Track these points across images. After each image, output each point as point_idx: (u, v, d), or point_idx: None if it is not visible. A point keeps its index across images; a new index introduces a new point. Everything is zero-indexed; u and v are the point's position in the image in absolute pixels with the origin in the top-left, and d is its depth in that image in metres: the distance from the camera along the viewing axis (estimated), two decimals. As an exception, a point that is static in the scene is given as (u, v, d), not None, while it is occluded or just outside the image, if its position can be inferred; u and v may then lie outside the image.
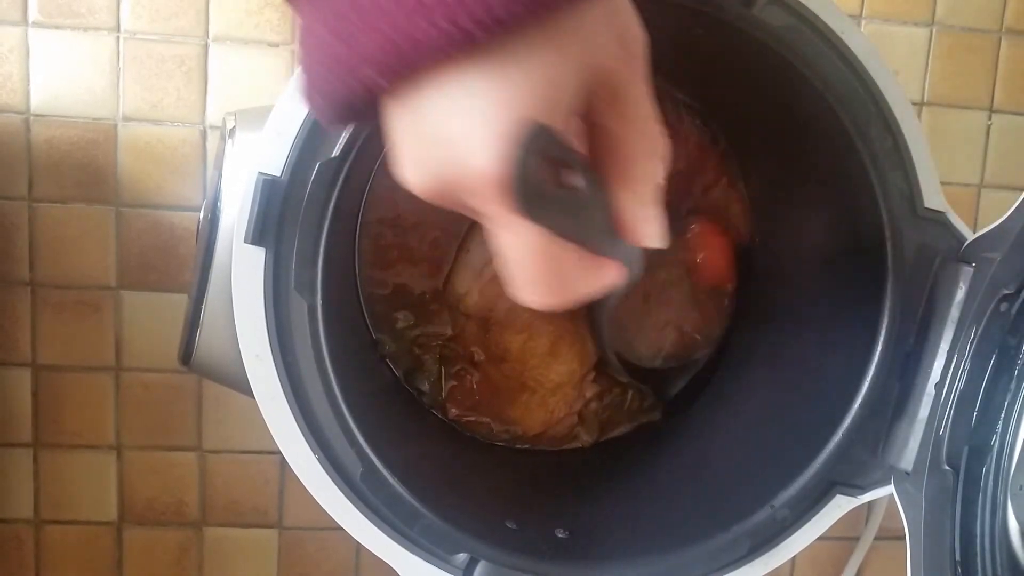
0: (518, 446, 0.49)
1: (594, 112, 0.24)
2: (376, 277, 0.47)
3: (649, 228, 0.25)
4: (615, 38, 0.23)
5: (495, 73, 0.21)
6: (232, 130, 0.38)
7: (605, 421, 0.50)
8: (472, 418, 0.48)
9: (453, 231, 0.47)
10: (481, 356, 0.48)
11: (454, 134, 0.22)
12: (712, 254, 0.48)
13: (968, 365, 0.35)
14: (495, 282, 0.46)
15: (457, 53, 0.20)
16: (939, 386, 0.36)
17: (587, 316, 0.48)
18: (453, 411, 0.48)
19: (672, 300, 0.49)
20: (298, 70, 0.24)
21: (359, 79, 0.21)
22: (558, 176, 0.23)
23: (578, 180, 0.23)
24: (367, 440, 0.35)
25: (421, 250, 0.47)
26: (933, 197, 0.37)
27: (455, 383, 0.48)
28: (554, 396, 0.49)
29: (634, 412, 0.50)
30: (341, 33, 0.21)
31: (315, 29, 0.22)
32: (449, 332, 0.48)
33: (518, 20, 0.20)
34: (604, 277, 0.25)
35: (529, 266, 0.23)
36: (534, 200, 0.22)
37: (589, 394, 0.49)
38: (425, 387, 0.48)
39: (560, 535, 0.39)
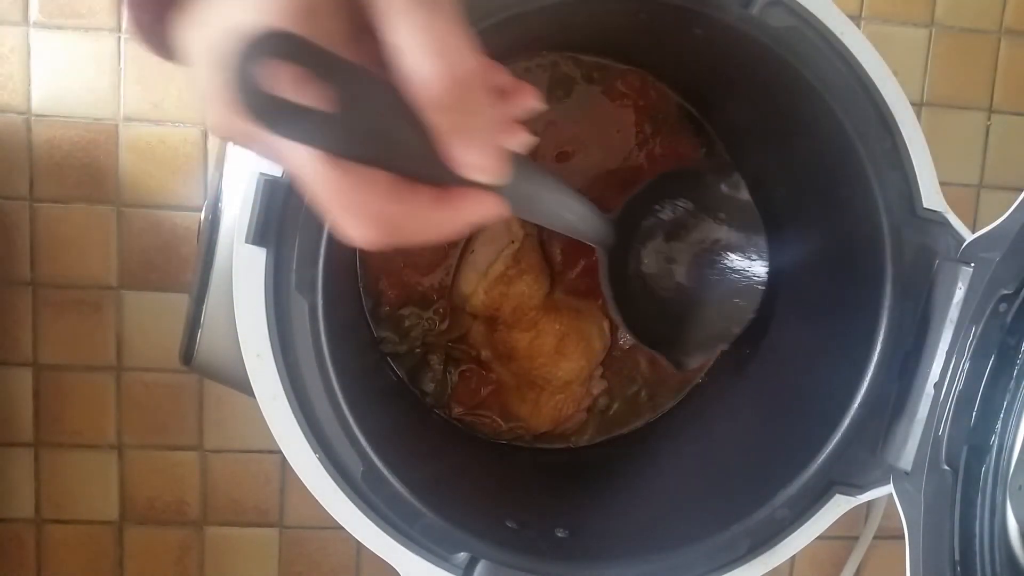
0: (521, 444, 0.49)
1: (364, 14, 0.21)
2: (379, 278, 0.47)
3: (469, 156, 0.22)
4: None
5: None
6: (233, 130, 0.38)
7: (612, 418, 0.50)
8: (477, 416, 0.48)
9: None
10: (488, 355, 0.48)
11: (206, 49, 0.21)
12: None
13: (967, 365, 0.35)
14: (501, 282, 0.46)
15: None
16: (938, 386, 0.36)
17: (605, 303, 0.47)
18: (458, 409, 0.48)
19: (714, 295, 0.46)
20: None
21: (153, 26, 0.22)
22: (309, 86, 0.20)
23: (337, 88, 0.20)
24: (367, 439, 0.35)
25: (424, 251, 0.47)
26: (932, 197, 0.37)
27: (461, 382, 0.48)
28: (562, 393, 0.49)
29: (641, 407, 0.50)
30: None
31: None
32: (455, 332, 0.48)
33: None
34: (459, 209, 0.23)
35: (323, 192, 0.21)
36: (269, 109, 0.20)
37: (597, 391, 0.50)
38: (430, 387, 0.48)
39: (560, 534, 0.39)
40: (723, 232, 0.45)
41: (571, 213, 0.36)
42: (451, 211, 0.23)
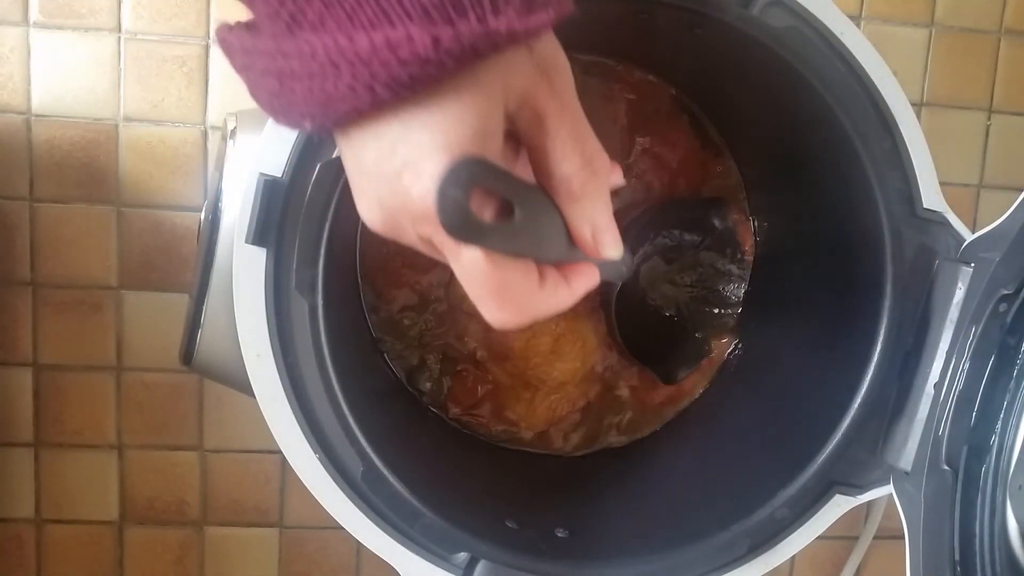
0: (515, 447, 0.49)
1: (525, 135, 0.25)
2: (378, 277, 0.47)
3: (601, 239, 0.27)
4: (534, 67, 0.24)
5: (415, 118, 0.23)
6: (233, 131, 0.38)
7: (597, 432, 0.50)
8: (473, 417, 0.48)
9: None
10: (484, 355, 0.48)
11: (391, 171, 0.23)
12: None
13: (967, 365, 0.35)
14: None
15: (371, 110, 0.22)
16: (938, 386, 0.36)
17: (604, 314, 0.48)
18: (454, 409, 0.48)
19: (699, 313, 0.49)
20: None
21: (300, 125, 0.24)
22: (494, 201, 0.24)
23: (517, 204, 0.24)
24: (367, 439, 0.35)
25: (423, 254, 0.47)
26: (932, 197, 0.37)
27: (457, 382, 0.48)
28: (557, 394, 0.49)
29: (624, 427, 0.50)
30: (282, 88, 0.23)
31: (263, 76, 0.24)
32: (452, 331, 0.48)
33: (419, 83, 0.22)
34: (574, 286, 0.27)
35: (483, 287, 0.25)
36: (471, 228, 0.23)
37: (592, 392, 0.50)
38: (427, 386, 0.48)
39: (560, 534, 0.39)
40: (709, 256, 0.49)
41: (621, 266, 0.39)
42: (570, 288, 0.27)
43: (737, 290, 0.49)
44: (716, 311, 0.49)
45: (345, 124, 0.23)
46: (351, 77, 0.21)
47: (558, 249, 0.26)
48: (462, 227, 0.23)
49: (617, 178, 0.29)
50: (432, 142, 0.23)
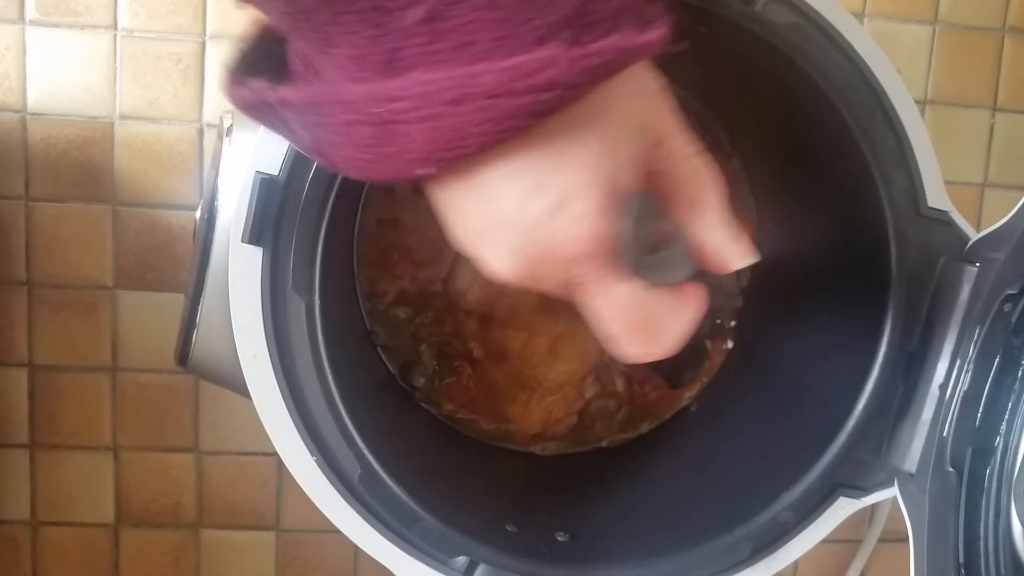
0: (507, 446, 0.49)
1: (649, 162, 0.24)
2: (376, 276, 0.46)
3: (735, 249, 0.27)
4: (647, 93, 0.24)
5: (560, 154, 0.21)
6: (229, 128, 0.38)
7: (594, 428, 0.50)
8: (465, 415, 0.48)
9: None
10: (480, 353, 0.48)
11: (537, 216, 0.22)
12: None
13: (972, 366, 0.35)
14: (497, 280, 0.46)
15: (509, 141, 0.21)
16: (943, 387, 0.36)
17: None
18: (447, 406, 0.48)
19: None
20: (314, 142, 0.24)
21: (405, 175, 0.22)
22: (652, 233, 0.24)
23: (670, 233, 0.24)
24: (365, 442, 0.35)
25: (421, 248, 0.46)
26: (937, 196, 0.37)
27: (452, 379, 0.48)
28: (553, 395, 0.48)
29: (622, 423, 0.50)
30: (385, 136, 0.21)
31: (348, 128, 0.22)
32: (448, 328, 0.47)
33: (558, 109, 0.20)
34: (693, 309, 0.26)
35: (631, 321, 0.24)
36: (643, 262, 0.23)
37: (589, 394, 0.49)
38: (420, 382, 0.48)
39: (560, 538, 0.39)
40: None
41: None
42: (696, 307, 0.26)
43: (735, 292, 0.49)
44: (714, 314, 0.49)
45: (471, 167, 0.21)
46: (486, 110, 0.20)
47: (682, 274, 0.26)
48: (642, 266, 0.23)
49: None
50: (580, 180, 0.22)
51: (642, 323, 0.24)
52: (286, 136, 0.24)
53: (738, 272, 0.48)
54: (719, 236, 0.26)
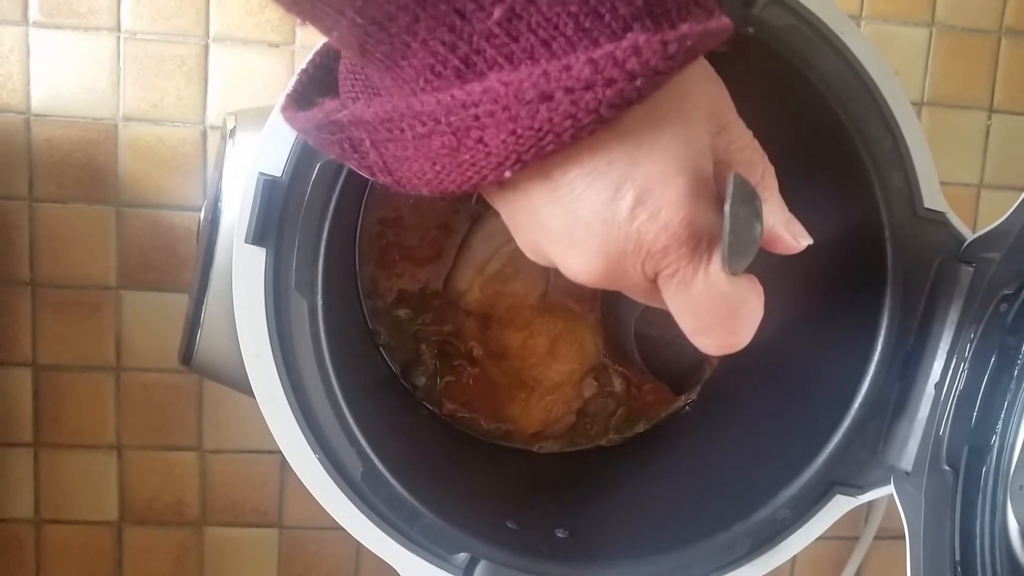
0: (508, 444, 0.49)
1: (717, 149, 0.24)
2: (377, 276, 0.47)
3: (797, 228, 0.27)
4: (711, 80, 0.24)
5: (641, 146, 0.21)
6: (232, 130, 0.38)
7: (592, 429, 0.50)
8: (466, 414, 0.48)
9: (454, 229, 0.47)
10: (480, 353, 0.48)
11: (621, 213, 0.21)
12: None
13: (968, 365, 0.35)
14: (496, 279, 0.46)
15: (590, 136, 0.20)
16: (939, 386, 0.36)
17: (605, 319, 0.48)
18: (448, 406, 0.48)
19: None
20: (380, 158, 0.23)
21: (487, 179, 0.21)
22: (745, 217, 0.23)
23: (760, 219, 0.23)
24: (367, 440, 0.35)
25: (422, 248, 0.47)
26: (933, 197, 0.37)
27: (452, 378, 0.48)
28: (552, 395, 0.49)
29: (620, 423, 0.50)
30: (463, 144, 0.21)
31: (424, 140, 0.21)
32: (448, 327, 0.48)
33: (644, 97, 0.20)
34: (759, 297, 0.25)
35: (720, 310, 0.24)
36: (741, 248, 0.22)
37: (588, 394, 0.49)
38: (421, 381, 0.48)
39: (560, 535, 0.39)
40: None
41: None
42: (759, 297, 0.26)
43: None
44: None
45: (549, 168, 0.21)
46: (570, 105, 0.19)
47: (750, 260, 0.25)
48: (744, 249, 0.22)
49: None
50: (666, 169, 0.21)
51: (731, 311, 0.24)
52: (352, 160, 0.24)
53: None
54: (784, 217, 0.27)
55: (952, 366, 0.36)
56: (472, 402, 0.48)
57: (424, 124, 0.21)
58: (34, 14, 0.53)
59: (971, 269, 0.36)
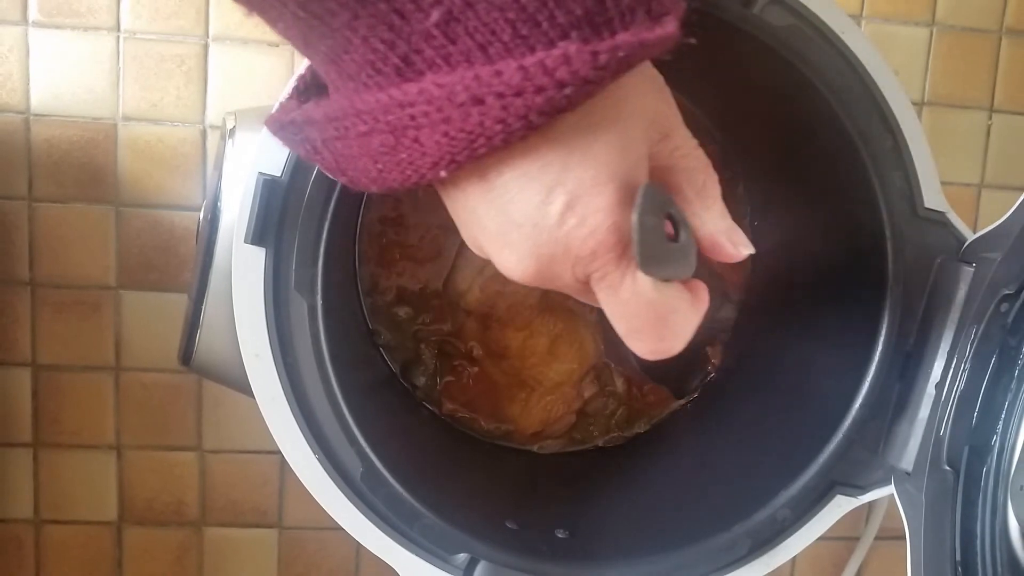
0: (508, 444, 0.49)
1: (658, 156, 0.25)
2: (377, 275, 0.47)
3: (739, 236, 0.27)
4: (655, 88, 0.24)
5: (573, 152, 0.21)
6: (232, 130, 0.38)
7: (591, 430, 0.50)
8: (465, 414, 0.48)
9: (455, 228, 0.47)
10: (480, 352, 0.48)
11: (551, 216, 0.22)
12: (727, 267, 0.48)
13: (968, 365, 0.35)
14: (496, 279, 0.46)
15: (522, 140, 0.21)
16: (939, 386, 0.36)
17: (604, 319, 0.48)
18: (448, 406, 0.48)
19: None
20: (322, 152, 0.24)
21: (424, 178, 0.22)
22: (665, 227, 0.24)
23: (682, 227, 0.24)
24: (367, 440, 0.35)
25: (422, 247, 0.47)
26: (933, 197, 0.37)
27: (451, 378, 0.48)
28: (552, 395, 0.49)
29: (620, 423, 0.50)
30: (400, 143, 0.21)
31: (366, 137, 0.22)
32: (448, 327, 0.48)
33: (575, 105, 0.20)
34: (702, 305, 0.26)
35: (648, 316, 0.24)
36: (662, 256, 0.23)
37: (588, 394, 0.49)
38: (421, 380, 0.48)
39: (560, 535, 0.39)
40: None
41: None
42: (704, 302, 0.26)
43: (730, 298, 0.49)
44: (714, 315, 0.49)
45: (485, 169, 0.22)
46: (501, 110, 0.20)
47: (689, 268, 0.26)
48: (657, 256, 0.22)
49: None
50: (597, 176, 0.22)
51: (659, 318, 0.24)
52: (315, 159, 0.24)
53: (737, 272, 0.49)
54: (725, 225, 0.26)
55: (953, 366, 0.36)
56: (472, 402, 0.48)
57: (365, 123, 0.21)
58: (34, 14, 0.53)
59: (971, 269, 0.36)
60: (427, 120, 0.20)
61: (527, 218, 0.22)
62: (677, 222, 0.24)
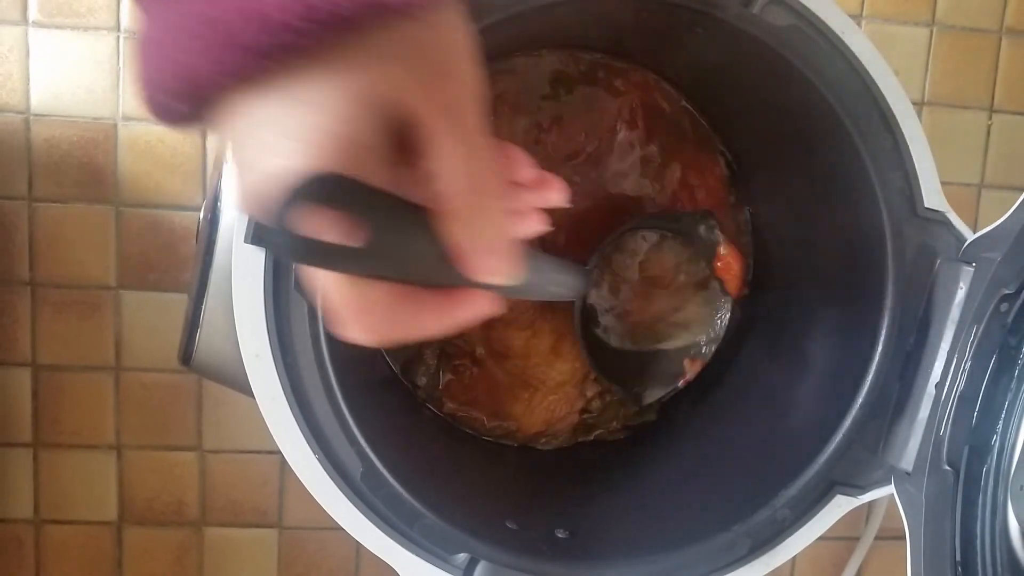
0: (509, 443, 0.49)
1: (407, 146, 0.22)
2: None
3: (485, 262, 0.23)
4: (414, 74, 0.22)
5: (280, 105, 0.21)
6: (232, 130, 0.38)
7: (597, 422, 0.50)
8: (467, 413, 0.48)
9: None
10: (483, 352, 0.48)
11: (245, 158, 0.22)
12: (731, 271, 0.47)
13: (968, 365, 0.35)
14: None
15: (237, 85, 0.20)
16: (939, 386, 0.36)
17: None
18: (449, 405, 0.48)
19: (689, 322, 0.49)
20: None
21: (163, 100, 0.22)
22: (342, 223, 0.21)
23: (372, 225, 0.21)
24: (367, 440, 0.35)
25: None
26: (933, 197, 0.37)
27: (453, 378, 0.48)
28: (555, 395, 0.49)
29: (629, 415, 0.50)
30: (152, 59, 0.21)
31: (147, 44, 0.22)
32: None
33: (288, 55, 0.20)
34: (458, 310, 0.24)
35: (341, 308, 0.23)
36: (310, 252, 0.20)
37: (590, 393, 0.49)
38: (422, 380, 0.48)
39: (560, 535, 0.39)
40: (693, 269, 0.47)
41: (557, 287, 0.38)
42: (452, 312, 0.25)
43: (722, 309, 0.47)
44: (695, 333, 0.48)
45: (207, 103, 0.21)
46: (220, 45, 0.20)
47: (437, 272, 0.23)
48: (295, 253, 0.20)
49: (559, 197, 0.27)
50: (291, 140, 0.20)
51: (355, 311, 0.23)
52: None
53: (737, 273, 0.48)
54: (469, 245, 0.23)
55: (953, 366, 0.36)
56: (474, 401, 0.48)
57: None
58: (34, 14, 0.53)
59: (972, 269, 0.36)
60: (170, 45, 0.21)
61: (240, 154, 0.22)
62: (360, 225, 0.21)
